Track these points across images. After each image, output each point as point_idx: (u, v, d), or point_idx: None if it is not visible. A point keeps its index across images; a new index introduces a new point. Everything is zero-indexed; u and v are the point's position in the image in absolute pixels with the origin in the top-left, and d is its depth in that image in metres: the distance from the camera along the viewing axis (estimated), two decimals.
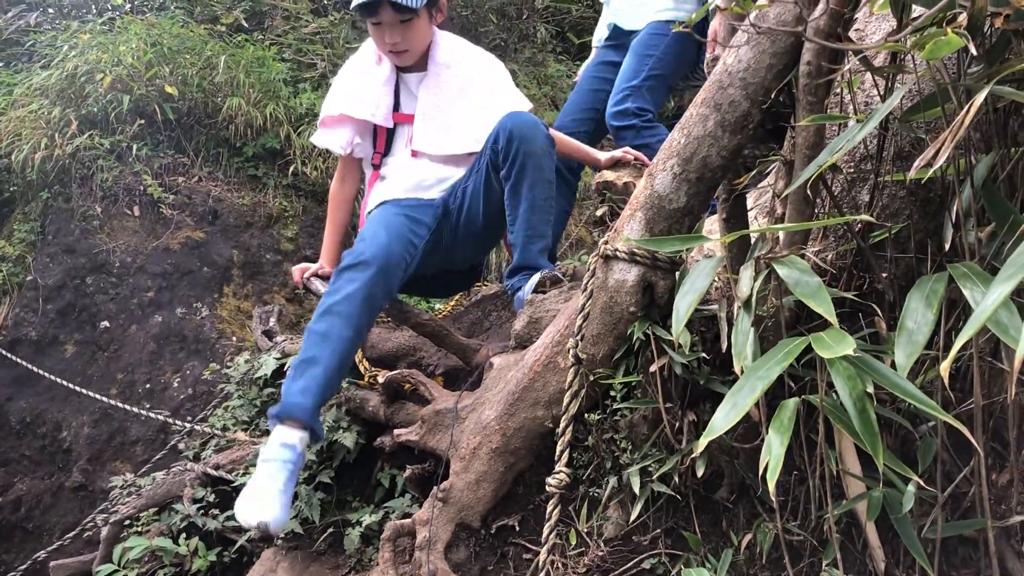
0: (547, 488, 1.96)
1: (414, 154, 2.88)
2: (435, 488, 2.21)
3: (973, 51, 1.46)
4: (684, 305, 1.66)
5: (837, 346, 1.44)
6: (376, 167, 2.96)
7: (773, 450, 1.54)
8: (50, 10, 6.77)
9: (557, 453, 1.95)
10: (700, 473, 1.87)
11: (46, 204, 5.18)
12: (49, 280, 4.94)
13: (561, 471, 1.95)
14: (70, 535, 3.43)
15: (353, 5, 2.64)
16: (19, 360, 4.59)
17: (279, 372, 3.13)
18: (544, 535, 1.89)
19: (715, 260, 1.72)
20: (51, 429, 4.66)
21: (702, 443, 1.45)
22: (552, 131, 2.84)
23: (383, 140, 2.94)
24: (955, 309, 1.81)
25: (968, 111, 1.33)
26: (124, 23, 5.53)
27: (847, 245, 2.12)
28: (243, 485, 2.87)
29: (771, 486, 1.49)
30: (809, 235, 1.97)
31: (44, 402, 4.71)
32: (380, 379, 2.53)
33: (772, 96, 1.90)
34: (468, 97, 2.87)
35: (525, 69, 7.34)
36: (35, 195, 5.21)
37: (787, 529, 1.89)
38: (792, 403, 1.64)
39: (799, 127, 1.85)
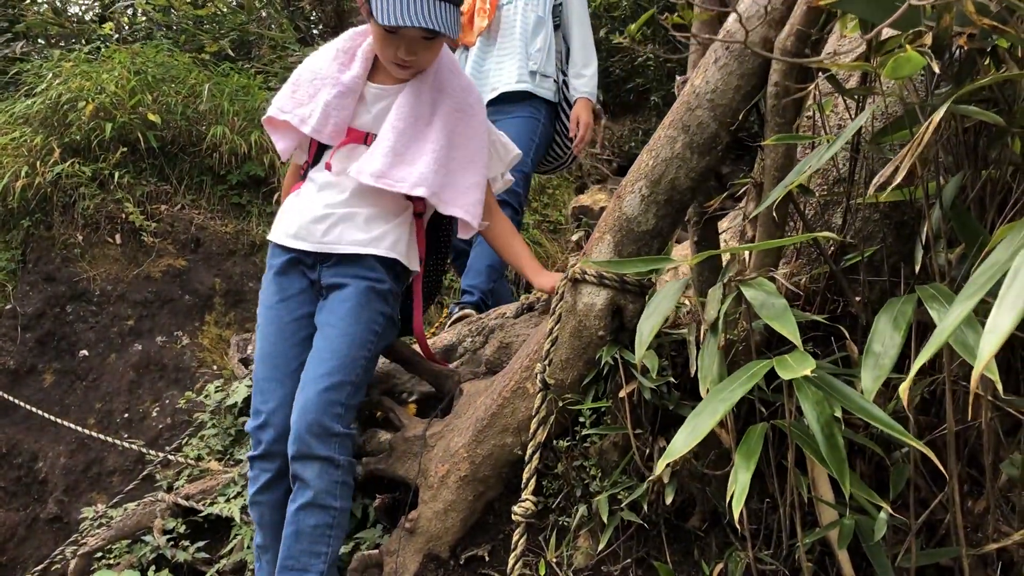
0: (513, 517, 1.92)
1: (337, 172, 2.35)
2: (403, 518, 2.15)
3: (936, 69, 1.45)
4: (647, 328, 1.63)
5: (799, 367, 1.40)
6: (302, 176, 2.47)
7: (739, 476, 1.50)
8: (40, 40, 6.80)
9: (524, 481, 1.90)
10: (669, 500, 1.83)
11: (27, 232, 5.14)
12: (28, 308, 4.89)
13: (527, 499, 1.91)
14: (38, 568, 3.36)
15: (382, 20, 2.14)
16: None
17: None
18: (510, 565, 1.84)
19: (680, 283, 1.69)
20: (27, 459, 4.59)
21: (660, 467, 1.41)
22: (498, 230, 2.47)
23: (316, 148, 2.41)
24: (928, 332, 1.78)
25: (927, 128, 1.30)
26: (109, 52, 5.52)
27: (820, 268, 2.10)
28: (212, 515, 2.83)
29: (736, 513, 1.45)
30: (779, 257, 1.95)
31: (20, 432, 4.64)
32: None
33: (740, 117, 1.89)
34: (446, 138, 2.34)
35: None
36: (16, 223, 5.17)
37: (759, 558, 1.85)
38: (760, 428, 1.61)
39: (768, 148, 1.83)
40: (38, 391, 4.73)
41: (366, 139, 2.33)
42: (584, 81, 3.59)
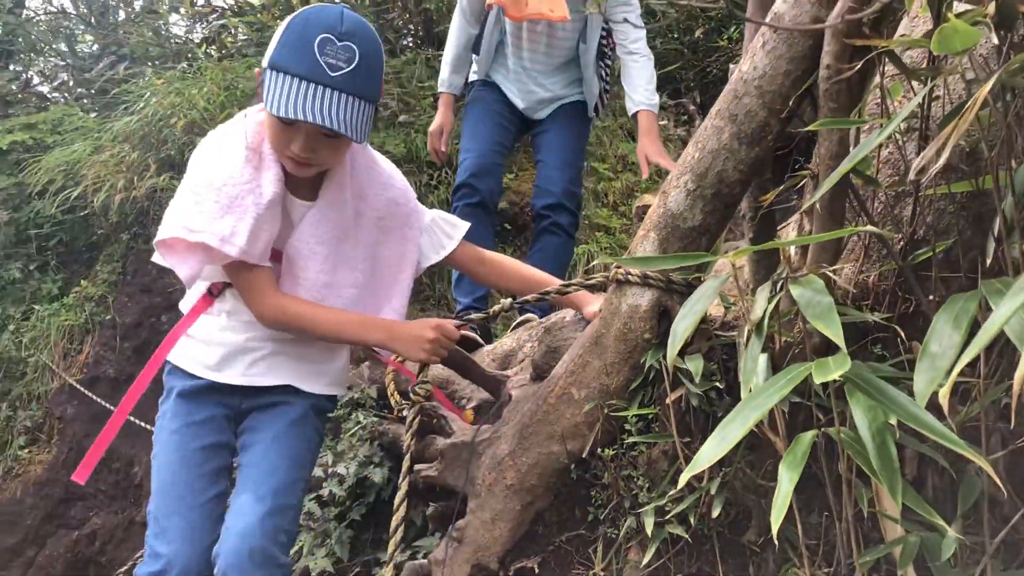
0: (412, 397, 2.12)
1: None
2: (451, 527, 2.11)
3: (995, 40, 1.31)
4: (681, 328, 1.53)
5: (836, 369, 1.28)
6: (213, 294, 2.06)
7: (782, 487, 1.39)
8: (144, 63, 7.10)
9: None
10: (716, 513, 1.72)
11: (127, 246, 5.36)
12: (127, 319, 5.09)
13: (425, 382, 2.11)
14: (122, 569, 3.46)
15: (274, 109, 1.79)
16: (96, 398, 4.71)
17: None
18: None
19: (718, 281, 1.58)
20: (124, 465, 4.76)
21: (683, 479, 1.32)
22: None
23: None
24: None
25: (974, 105, 1.17)
26: (199, 67, 5.71)
27: (889, 265, 1.95)
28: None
29: (775, 527, 1.34)
30: (838, 253, 1.81)
31: (119, 438, 4.76)
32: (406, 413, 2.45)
33: (791, 104, 1.77)
34: (372, 255, 2.12)
35: (602, 103, 7.26)
36: (117, 237, 5.40)
37: None
38: (808, 436, 1.49)
39: (821, 136, 1.70)
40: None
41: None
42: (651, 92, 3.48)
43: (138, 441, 4.76)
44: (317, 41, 1.78)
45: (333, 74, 1.79)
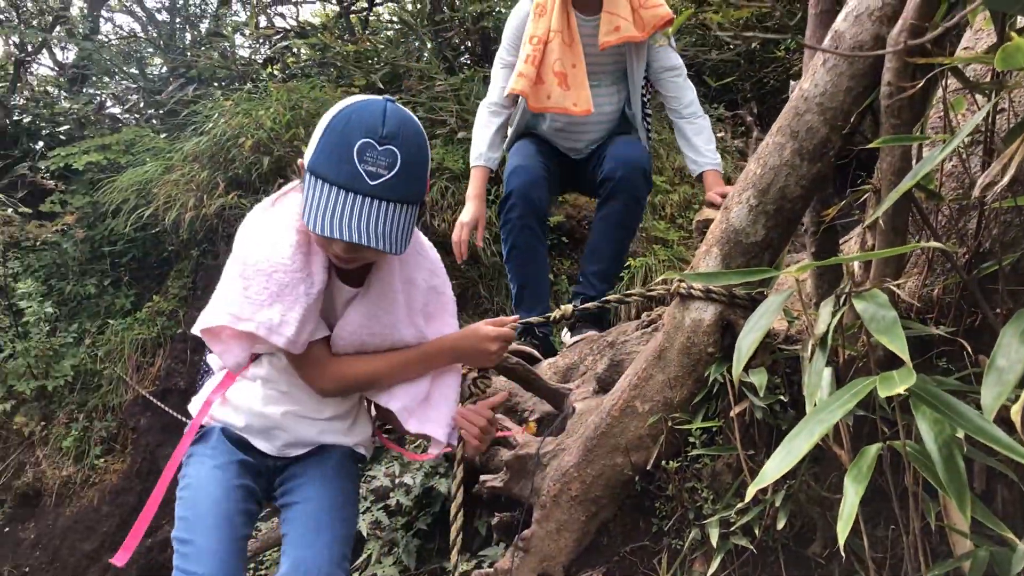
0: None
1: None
2: (516, 537, 2.15)
3: None
4: (747, 343, 1.56)
5: (901, 383, 1.30)
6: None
7: (847, 500, 1.41)
8: (213, 84, 7.32)
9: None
10: (780, 525, 1.74)
11: (197, 261, 5.53)
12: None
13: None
14: None
15: (309, 224, 1.71)
16: (168, 409, 4.87)
17: None
18: None
19: (782, 296, 1.61)
20: None
21: (751, 491, 1.34)
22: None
23: None
24: None
25: None
26: (264, 88, 5.88)
27: (953, 278, 1.95)
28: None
29: (841, 541, 1.36)
30: (901, 268, 1.82)
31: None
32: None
33: (852, 120, 1.79)
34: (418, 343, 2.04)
35: (657, 113, 7.28)
36: (187, 253, 5.57)
37: None
38: (874, 449, 1.50)
39: (883, 152, 1.72)
40: None
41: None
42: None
43: None
44: (357, 147, 1.68)
45: (373, 183, 1.69)
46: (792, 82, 2.02)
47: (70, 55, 8.74)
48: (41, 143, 7.31)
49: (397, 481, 2.78)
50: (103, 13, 8.96)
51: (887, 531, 1.80)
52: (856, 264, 1.83)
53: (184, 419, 4.72)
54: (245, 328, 1.78)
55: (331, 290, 1.92)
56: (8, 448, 5.34)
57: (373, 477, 2.94)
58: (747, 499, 1.37)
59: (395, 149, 1.71)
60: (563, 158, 3.42)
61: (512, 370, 2.47)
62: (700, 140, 3.24)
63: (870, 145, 1.61)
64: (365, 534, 2.73)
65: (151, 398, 5.03)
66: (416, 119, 1.80)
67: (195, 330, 1.89)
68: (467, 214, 3.27)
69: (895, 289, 1.66)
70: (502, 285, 5.22)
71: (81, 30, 7.79)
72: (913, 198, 1.78)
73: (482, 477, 2.41)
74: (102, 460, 5.12)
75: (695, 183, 6.46)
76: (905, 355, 1.37)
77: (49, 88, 8.42)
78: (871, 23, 1.72)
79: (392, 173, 1.70)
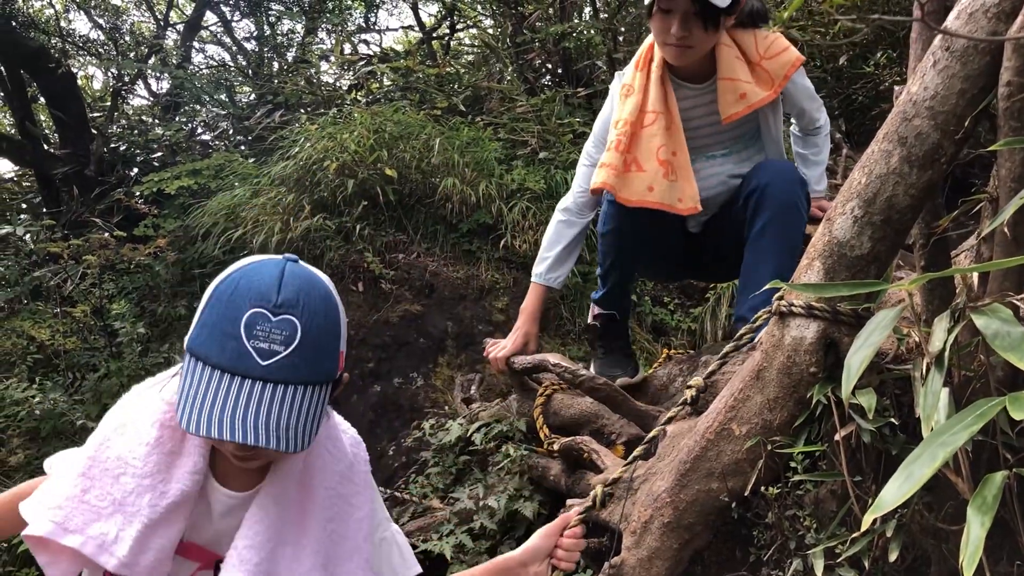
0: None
1: None
2: (606, 564, 2.07)
3: None
4: (856, 362, 1.46)
5: None
6: None
7: (972, 533, 1.30)
8: (299, 110, 7.47)
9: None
10: (893, 557, 1.62)
11: None
12: None
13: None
14: None
15: (184, 422, 1.30)
16: None
17: (468, 439, 3.14)
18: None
19: (895, 311, 1.50)
20: None
21: (867, 521, 1.24)
22: None
23: None
24: None
25: None
26: (348, 112, 5.95)
27: None
28: (432, 552, 2.88)
29: (968, 575, 1.25)
30: (1022, 281, 1.69)
31: None
32: (556, 447, 2.44)
33: (966, 124, 1.67)
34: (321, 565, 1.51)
35: None
36: None
37: None
38: (999, 476, 1.38)
39: (1002, 157, 1.61)
40: None
41: (216, 567, 1.49)
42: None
43: None
44: (245, 320, 1.32)
45: (265, 362, 1.31)
46: (896, 87, 1.91)
47: (164, 85, 9.07)
48: (136, 169, 7.56)
49: (481, 503, 2.72)
50: (195, 44, 9.27)
51: (1011, 567, 1.67)
52: (973, 277, 1.70)
53: None
54: (70, 543, 1.38)
55: (209, 500, 1.50)
56: None
57: (457, 499, 2.89)
58: (864, 527, 1.27)
59: (294, 319, 1.33)
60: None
61: (599, 390, 2.39)
62: (817, 171, 2.92)
63: (989, 148, 1.50)
64: (449, 557, 2.68)
65: None
66: (324, 279, 1.44)
67: (23, 533, 1.42)
68: (513, 337, 2.93)
69: (1018, 303, 1.54)
70: (584, 306, 5.15)
71: (174, 60, 8.05)
72: None
73: (569, 502, 2.33)
74: None
75: None
76: None
77: (144, 116, 8.72)
78: (987, 20, 1.62)
79: (289, 349, 1.32)
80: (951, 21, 1.67)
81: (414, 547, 2.99)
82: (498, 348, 2.93)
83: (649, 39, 2.60)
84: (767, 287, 1.85)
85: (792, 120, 2.99)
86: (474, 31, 9.66)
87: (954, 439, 1.26)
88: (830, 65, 7.34)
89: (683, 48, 2.44)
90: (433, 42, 9.37)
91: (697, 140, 2.62)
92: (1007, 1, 1.59)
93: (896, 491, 1.23)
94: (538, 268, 2.95)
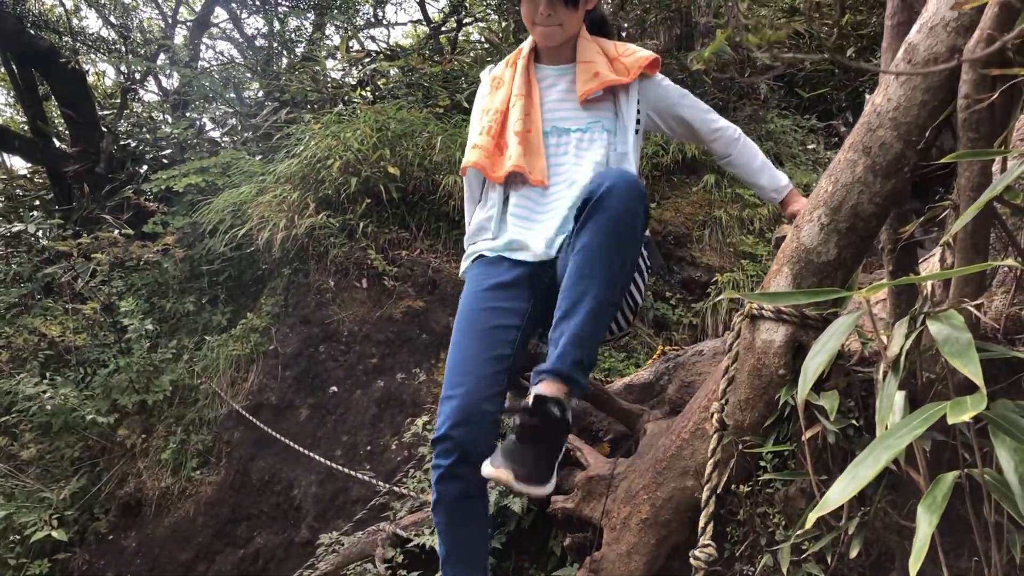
0: (693, 563, 1.84)
1: None
2: (587, 558, 2.14)
3: None
4: (813, 366, 1.52)
5: (972, 409, 1.25)
6: None
7: (920, 530, 1.36)
8: (307, 108, 7.54)
9: (700, 526, 1.82)
10: (854, 554, 1.68)
11: (288, 280, 5.69)
12: (288, 349, 5.39)
13: (708, 544, 1.83)
14: None
15: None
16: (260, 423, 5.02)
17: None
18: None
19: (852, 317, 1.56)
20: (285, 487, 5.03)
21: (810, 520, 1.30)
22: None
23: None
24: None
25: None
26: (353, 110, 6.02)
27: None
28: (423, 545, 2.95)
29: (913, 571, 1.31)
30: (981, 287, 1.74)
31: (280, 462, 5.10)
32: None
33: (928, 135, 1.73)
34: None
35: (746, 127, 7.17)
36: (279, 272, 5.74)
37: None
38: (950, 477, 1.44)
39: (962, 167, 1.66)
40: (295, 424, 5.18)
41: None
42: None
43: (298, 465, 5.04)
44: None
45: None
46: (867, 95, 1.96)
47: (174, 82, 9.15)
48: (145, 167, 7.65)
49: None
50: (204, 40, 9.34)
51: (970, 563, 1.72)
52: (935, 283, 1.76)
53: (272, 433, 4.86)
54: None
55: None
56: (112, 459, 5.58)
57: None
58: (807, 525, 1.33)
59: None
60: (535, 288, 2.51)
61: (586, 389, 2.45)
62: (759, 163, 2.72)
63: (944, 160, 1.55)
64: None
65: (244, 413, 5.18)
66: None
67: None
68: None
69: (973, 309, 1.59)
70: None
71: (184, 57, 8.13)
72: (996, 214, 1.71)
73: (554, 498, 2.40)
74: (198, 472, 5.29)
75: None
76: (978, 379, 1.31)
77: (153, 114, 8.81)
78: (947, 34, 1.67)
79: None
80: (913, 35, 1.72)
81: (408, 541, 3.09)
82: None
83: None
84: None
85: (695, 135, 2.77)
86: (482, 24, 9.72)
87: (899, 441, 1.32)
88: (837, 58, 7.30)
89: (551, 27, 2.61)
90: (441, 37, 9.42)
91: (555, 117, 2.71)
92: (965, 16, 1.64)
93: (841, 490, 1.29)
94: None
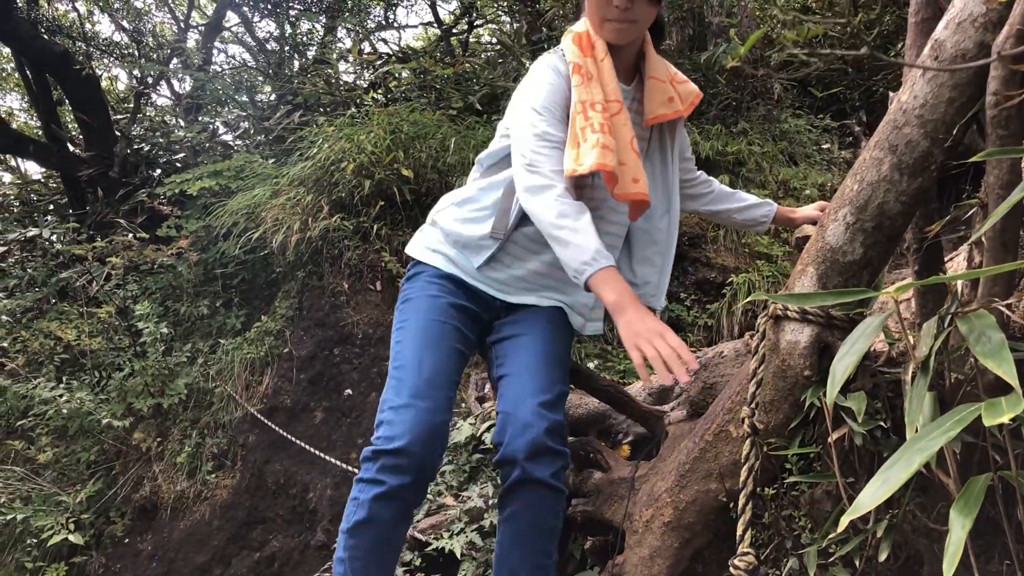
0: (732, 571, 1.81)
1: None
2: (609, 562, 2.12)
3: None
4: (841, 368, 1.50)
5: (1008, 411, 1.22)
6: None
7: (954, 533, 1.33)
8: (317, 110, 7.54)
9: (739, 533, 1.80)
10: (883, 557, 1.66)
11: (303, 282, 5.69)
12: (303, 352, 5.39)
13: (747, 552, 1.80)
14: None
15: None
16: (274, 426, 5.01)
17: (479, 438, 3.19)
18: None
19: (880, 317, 1.54)
20: (300, 490, 5.02)
21: (844, 520, 1.28)
22: None
23: None
24: None
25: None
26: (366, 112, 6.01)
27: None
28: (441, 549, 2.94)
29: (947, 574, 1.29)
30: (1011, 286, 1.72)
31: (295, 465, 5.10)
32: None
33: (955, 132, 1.70)
34: None
35: (759, 126, 7.15)
36: (293, 275, 5.74)
37: None
38: (982, 479, 1.42)
39: (990, 165, 1.63)
40: (310, 427, 5.18)
41: None
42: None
43: (313, 468, 5.03)
44: None
45: None
46: (891, 93, 1.94)
47: (186, 86, 9.18)
48: (159, 170, 7.68)
49: (491, 502, 2.78)
50: (216, 44, 9.37)
51: (1001, 566, 1.70)
52: (963, 283, 1.73)
53: (287, 436, 4.85)
54: None
55: None
56: (128, 463, 5.59)
57: (468, 498, 2.95)
58: (840, 528, 1.30)
59: None
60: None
61: (604, 391, 2.44)
62: (738, 196, 2.57)
63: (974, 159, 1.53)
64: (459, 555, 2.74)
65: (259, 416, 5.18)
66: None
67: None
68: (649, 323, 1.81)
69: (1003, 309, 1.57)
70: None
71: (196, 61, 8.15)
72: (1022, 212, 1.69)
73: (574, 501, 2.38)
74: (213, 476, 5.30)
75: (799, 197, 6.30)
76: (1013, 380, 1.29)
77: (167, 118, 8.84)
78: (974, 30, 1.64)
79: None
80: (940, 31, 1.70)
81: (426, 544, 3.07)
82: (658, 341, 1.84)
83: (574, 27, 2.26)
84: None
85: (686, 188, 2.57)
86: (493, 26, 9.72)
87: (931, 443, 1.30)
88: (851, 56, 7.31)
89: (627, 24, 2.13)
90: (452, 39, 9.42)
91: None
92: (994, 12, 1.61)
93: (873, 494, 1.27)
94: (589, 253, 1.91)
